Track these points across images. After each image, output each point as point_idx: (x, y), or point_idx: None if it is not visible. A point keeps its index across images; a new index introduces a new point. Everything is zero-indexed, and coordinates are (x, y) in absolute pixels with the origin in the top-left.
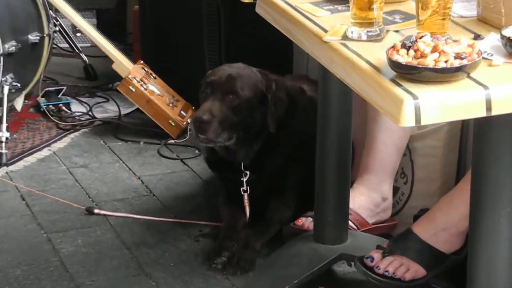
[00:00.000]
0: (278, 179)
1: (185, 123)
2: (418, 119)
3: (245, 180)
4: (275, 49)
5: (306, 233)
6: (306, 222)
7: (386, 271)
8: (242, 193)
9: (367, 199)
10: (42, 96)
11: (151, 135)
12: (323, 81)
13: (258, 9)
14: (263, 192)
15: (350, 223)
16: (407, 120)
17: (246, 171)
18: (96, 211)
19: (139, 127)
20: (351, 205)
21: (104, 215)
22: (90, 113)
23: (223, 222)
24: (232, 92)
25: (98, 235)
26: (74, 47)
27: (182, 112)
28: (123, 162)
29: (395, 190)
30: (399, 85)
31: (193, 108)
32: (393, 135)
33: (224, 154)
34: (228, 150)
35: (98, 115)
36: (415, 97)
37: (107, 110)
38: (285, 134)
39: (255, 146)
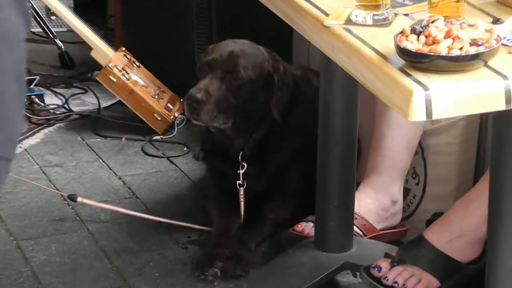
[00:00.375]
0: (278, 175)
1: (172, 117)
2: (429, 112)
3: (241, 172)
4: (272, 39)
5: (306, 240)
6: (307, 227)
7: (395, 282)
8: (238, 187)
9: (374, 202)
10: None
11: (134, 131)
12: (325, 71)
13: None
14: (260, 189)
15: (355, 228)
16: (417, 114)
17: (243, 163)
18: (79, 199)
19: (121, 122)
20: (356, 209)
21: (89, 205)
22: (66, 105)
23: (213, 227)
24: (234, 71)
25: (74, 242)
26: (48, 32)
27: (168, 104)
28: (103, 161)
29: (406, 192)
30: (408, 75)
31: (181, 100)
32: (404, 130)
33: (221, 143)
34: (225, 138)
35: (75, 108)
36: (426, 88)
37: (85, 102)
38: (290, 125)
39: (256, 136)
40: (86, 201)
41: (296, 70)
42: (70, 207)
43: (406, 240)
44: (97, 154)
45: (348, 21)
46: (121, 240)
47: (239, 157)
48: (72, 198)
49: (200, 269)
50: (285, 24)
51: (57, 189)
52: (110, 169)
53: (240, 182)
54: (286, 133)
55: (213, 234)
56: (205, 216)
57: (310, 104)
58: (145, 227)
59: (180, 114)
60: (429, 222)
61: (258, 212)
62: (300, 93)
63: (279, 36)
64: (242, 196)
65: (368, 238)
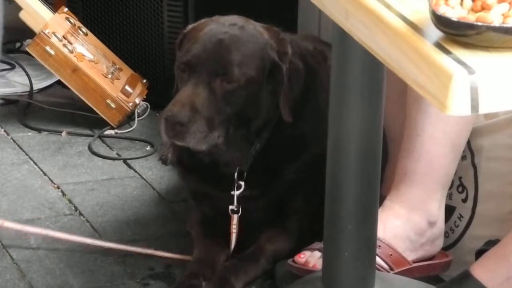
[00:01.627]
0: (283, 196)
1: (131, 104)
2: (475, 105)
3: (236, 194)
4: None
5: (311, 275)
6: (312, 258)
7: None
8: (231, 213)
9: (405, 223)
10: None
11: (79, 123)
12: (339, 46)
13: None
14: (259, 216)
15: (378, 260)
16: (459, 107)
17: (240, 182)
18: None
19: (61, 110)
20: (380, 233)
21: (14, 230)
22: None
23: (194, 252)
24: (225, 71)
25: None
26: None
27: (126, 87)
28: (35, 163)
29: (449, 210)
30: (448, 52)
31: (144, 81)
32: (447, 126)
33: (208, 157)
34: (213, 153)
35: None
36: (470, 70)
37: (12, 82)
38: (302, 127)
39: (258, 145)
40: (9, 225)
41: (305, 44)
42: None
43: (448, 277)
44: (26, 154)
45: None
46: (57, 273)
47: (235, 175)
48: None
49: None
50: None
51: None
52: (45, 174)
53: (234, 207)
54: (298, 138)
55: (193, 258)
56: (176, 240)
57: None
58: (90, 256)
59: (143, 101)
60: (479, 253)
61: (253, 239)
62: (314, 79)
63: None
64: (235, 226)
65: (396, 273)
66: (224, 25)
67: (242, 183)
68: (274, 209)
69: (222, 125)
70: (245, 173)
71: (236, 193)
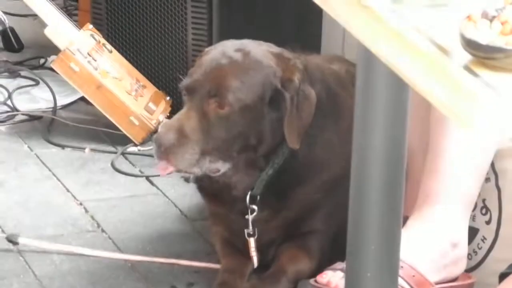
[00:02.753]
0: (303, 218)
1: (154, 121)
2: (501, 128)
3: (250, 219)
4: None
5: None
6: (334, 278)
7: None
8: (247, 237)
9: (428, 244)
10: None
11: (102, 139)
12: (363, 66)
13: None
14: (276, 236)
15: (401, 281)
16: (485, 129)
17: (252, 206)
18: (21, 240)
19: (84, 126)
20: (403, 254)
21: (37, 248)
22: (9, 102)
23: (221, 263)
24: (219, 96)
25: None
26: None
27: (150, 104)
28: (58, 179)
29: (472, 232)
30: (475, 74)
31: (168, 98)
32: (470, 147)
33: (220, 179)
34: (224, 176)
35: (21, 106)
36: (498, 93)
37: (36, 98)
38: (320, 152)
39: (270, 170)
40: (32, 242)
41: (334, 67)
42: (10, 242)
43: None
44: (50, 170)
45: None
46: None
47: (247, 199)
48: (12, 239)
49: None
50: (312, 3)
51: None
52: (68, 190)
53: (249, 231)
54: (311, 163)
55: (221, 270)
56: (199, 256)
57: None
58: (112, 273)
59: (166, 118)
60: (503, 276)
61: (271, 257)
62: (335, 105)
63: (305, 18)
64: (253, 249)
65: None
66: (230, 50)
67: (255, 207)
68: (291, 229)
69: (221, 150)
70: (258, 197)
71: (250, 217)
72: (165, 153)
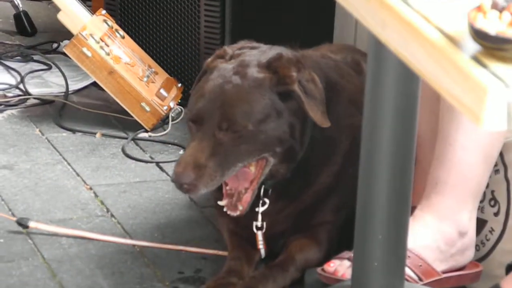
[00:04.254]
0: (314, 208)
1: (165, 107)
2: (511, 119)
3: (260, 211)
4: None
5: (340, 284)
6: (341, 267)
7: None
8: (255, 230)
9: (435, 234)
10: None
11: (113, 124)
12: (374, 56)
13: None
14: (285, 226)
15: (408, 270)
16: (494, 121)
17: (265, 199)
18: (31, 224)
19: (96, 112)
20: (410, 243)
21: (47, 232)
22: (21, 86)
23: (229, 250)
24: (229, 123)
25: (24, 274)
26: None
27: (161, 91)
28: (68, 164)
29: (481, 224)
30: (484, 65)
31: (179, 85)
32: (479, 136)
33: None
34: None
35: (33, 90)
36: (507, 84)
37: (48, 83)
38: (332, 137)
39: (300, 155)
40: (42, 226)
41: (330, 56)
42: (20, 226)
43: None
44: (60, 155)
45: None
46: (88, 274)
47: (261, 192)
48: (22, 223)
49: None
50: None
51: (2, 200)
52: (78, 175)
53: (258, 224)
54: (327, 149)
55: (229, 258)
56: (207, 242)
57: (352, 98)
58: (121, 257)
59: (177, 105)
60: (510, 268)
61: (280, 247)
62: (334, 92)
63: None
64: (261, 242)
65: (426, 284)
66: (228, 74)
67: (267, 200)
68: (301, 219)
69: (245, 158)
70: (270, 190)
71: (260, 209)
72: (188, 188)
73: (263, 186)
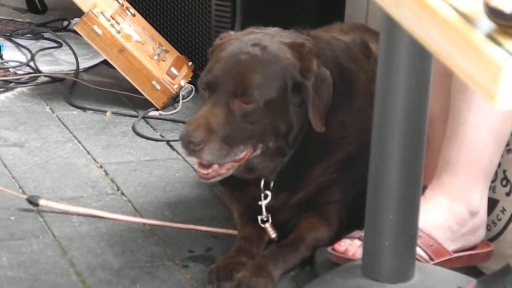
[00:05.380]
0: (319, 195)
1: (176, 86)
2: None
3: (264, 204)
4: None
5: (351, 264)
6: (352, 246)
7: None
8: (261, 224)
9: (447, 213)
10: None
11: (124, 103)
12: (387, 35)
13: None
14: (291, 213)
15: (419, 250)
16: (508, 100)
17: (266, 192)
18: (42, 202)
19: (106, 90)
20: (421, 223)
21: (57, 210)
22: (31, 64)
23: (239, 229)
24: (244, 92)
25: (34, 252)
26: None
27: (172, 69)
28: (79, 142)
29: (492, 203)
30: (499, 43)
31: (190, 63)
32: (491, 115)
33: (240, 169)
34: (247, 165)
35: (43, 68)
36: None
37: (58, 61)
38: (336, 131)
39: (288, 156)
40: (52, 204)
41: (342, 38)
42: (31, 203)
43: (488, 270)
44: (71, 133)
45: None
46: (98, 252)
47: (261, 185)
48: (33, 200)
49: (214, 283)
50: None
51: (13, 178)
52: (88, 153)
53: (263, 217)
54: (324, 142)
55: (238, 237)
56: (217, 222)
57: (366, 89)
58: (131, 236)
59: (188, 83)
60: None
61: (293, 226)
62: (348, 82)
63: None
64: (271, 231)
65: (437, 263)
66: (246, 45)
67: (269, 192)
68: (307, 205)
69: (248, 141)
70: (272, 183)
71: (263, 203)
72: (194, 149)
73: (262, 180)
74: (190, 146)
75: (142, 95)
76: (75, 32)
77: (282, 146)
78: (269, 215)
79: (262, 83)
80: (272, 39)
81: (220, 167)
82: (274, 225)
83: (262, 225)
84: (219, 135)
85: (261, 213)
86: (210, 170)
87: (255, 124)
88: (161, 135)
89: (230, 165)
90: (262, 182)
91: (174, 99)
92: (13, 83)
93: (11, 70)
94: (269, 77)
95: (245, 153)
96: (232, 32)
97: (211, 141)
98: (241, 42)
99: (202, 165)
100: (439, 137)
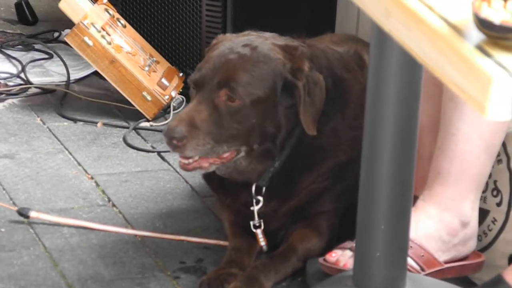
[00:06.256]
0: (311, 203)
1: (167, 97)
2: None
3: (256, 209)
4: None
5: (342, 274)
6: (343, 257)
7: None
8: (253, 229)
9: (437, 224)
10: None
11: (114, 114)
12: (377, 46)
13: None
14: (283, 222)
15: (410, 261)
16: (498, 110)
17: (258, 197)
18: (32, 214)
19: (97, 101)
20: (412, 233)
21: (48, 222)
22: (22, 75)
23: (230, 240)
24: (229, 89)
25: (25, 264)
26: None
27: (163, 80)
28: (69, 153)
29: (483, 214)
30: (489, 55)
31: (181, 74)
32: (481, 126)
33: (229, 171)
34: (233, 166)
35: (34, 79)
36: (511, 73)
37: (49, 72)
38: (328, 136)
39: (278, 160)
40: (43, 216)
41: (336, 48)
42: (21, 216)
43: (479, 280)
44: (62, 144)
45: None
46: (89, 263)
47: (253, 191)
48: (23, 212)
49: None
50: None
51: (3, 189)
52: (79, 164)
53: (255, 222)
54: (317, 149)
55: (229, 249)
56: (209, 233)
57: (359, 98)
58: (122, 247)
59: (179, 94)
60: None
61: (284, 236)
62: (341, 90)
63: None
64: (262, 239)
65: (428, 274)
66: (237, 45)
67: (261, 198)
68: (299, 214)
69: (236, 140)
70: (264, 188)
71: (255, 208)
72: (176, 144)
73: (254, 184)
74: (173, 141)
75: (133, 106)
76: (65, 43)
77: (270, 148)
78: (261, 220)
79: (249, 81)
80: (265, 41)
81: (202, 159)
82: (265, 234)
83: (254, 230)
84: (202, 131)
85: (252, 220)
86: (190, 160)
87: (242, 123)
88: (152, 146)
89: (213, 160)
90: (254, 187)
91: (165, 110)
92: (3, 95)
93: (1, 81)
94: (257, 76)
95: (229, 153)
96: (229, 34)
97: (193, 137)
98: (233, 43)
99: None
100: (427, 146)
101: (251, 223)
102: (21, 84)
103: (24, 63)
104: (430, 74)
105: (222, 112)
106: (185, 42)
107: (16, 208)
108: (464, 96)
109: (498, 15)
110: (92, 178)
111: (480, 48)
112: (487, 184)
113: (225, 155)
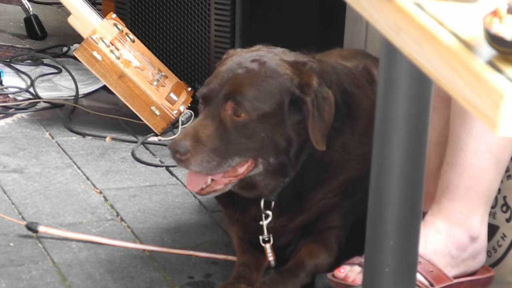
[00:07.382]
0: (319, 219)
1: (175, 111)
2: None
3: (265, 224)
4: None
5: None
6: (352, 273)
7: None
8: (262, 243)
9: (446, 239)
10: None
11: (123, 128)
12: (387, 61)
13: None
14: (291, 237)
15: (419, 276)
16: (510, 126)
17: (267, 212)
18: (41, 228)
19: (105, 115)
20: (421, 249)
21: (57, 236)
22: (31, 90)
23: (238, 255)
24: (236, 104)
25: (34, 278)
26: None
27: (171, 95)
28: (78, 168)
29: (492, 229)
30: (500, 71)
31: (189, 89)
32: (490, 140)
33: (240, 186)
34: (248, 182)
35: (43, 94)
36: None
37: (58, 86)
38: (338, 152)
39: (289, 176)
40: (51, 231)
41: (345, 63)
42: (30, 230)
43: None
44: (70, 158)
45: None
46: (97, 278)
47: (261, 205)
48: (32, 227)
49: None
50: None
51: (12, 204)
52: (88, 179)
53: (264, 237)
54: (331, 165)
55: (237, 264)
56: (217, 248)
57: (368, 113)
58: (130, 262)
59: (187, 109)
60: None
61: (293, 251)
62: (351, 106)
63: (328, 12)
64: (270, 254)
65: None
66: (246, 60)
67: (270, 212)
68: (308, 229)
69: (245, 155)
70: (272, 203)
71: (264, 223)
72: (180, 158)
73: (262, 200)
74: (176, 155)
75: (141, 120)
76: (74, 58)
77: (285, 163)
78: (270, 235)
79: (255, 95)
80: (274, 57)
81: (215, 182)
82: (273, 250)
83: (263, 245)
84: (207, 146)
85: (261, 235)
86: (203, 185)
87: (250, 138)
88: (160, 161)
89: (228, 180)
90: (262, 202)
91: (173, 125)
92: (12, 109)
93: (10, 96)
94: (264, 91)
95: (245, 168)
96: (239, 49)
97: (198, 151)
98: (242, 57)
99: (195, 180)
100: (434, 160)
101: (260, 237)
102: (30, 99)
103: (33, 78)
104: (437, 87)
105: (228, 126)
106: (194, 56)
107: (24, 223)
108: (475, 112)
109: (509, 31)
110: (100, 192)
111: (491, 64)
112: (496, 199)
113: (241, 170)
